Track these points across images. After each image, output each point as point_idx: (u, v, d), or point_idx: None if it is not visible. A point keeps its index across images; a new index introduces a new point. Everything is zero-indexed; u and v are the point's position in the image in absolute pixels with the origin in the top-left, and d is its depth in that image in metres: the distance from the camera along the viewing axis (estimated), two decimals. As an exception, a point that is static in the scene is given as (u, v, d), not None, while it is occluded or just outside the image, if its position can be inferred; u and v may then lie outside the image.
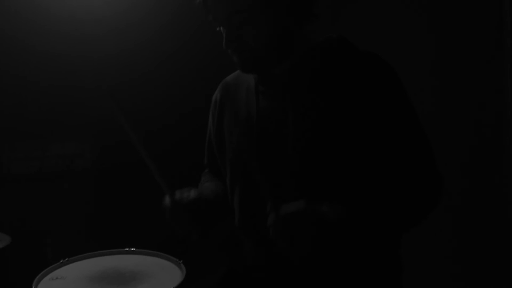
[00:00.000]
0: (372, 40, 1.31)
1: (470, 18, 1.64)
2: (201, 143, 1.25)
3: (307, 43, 0.98)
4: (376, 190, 0.91)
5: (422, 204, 0.92)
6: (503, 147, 1.58)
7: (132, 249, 1.31)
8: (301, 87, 0.95)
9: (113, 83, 2.21)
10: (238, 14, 0.90)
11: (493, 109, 1.60)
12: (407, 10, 1.81)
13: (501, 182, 1.61)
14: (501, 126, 1.57)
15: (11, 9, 2.08)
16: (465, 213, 1.70)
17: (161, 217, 1.04)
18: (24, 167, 2.17)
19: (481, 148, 1.65)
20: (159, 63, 2.30)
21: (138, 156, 1.01)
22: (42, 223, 2.15)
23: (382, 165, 0.92)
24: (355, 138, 0.90)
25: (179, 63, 2.34)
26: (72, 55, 2.15)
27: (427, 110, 0.96)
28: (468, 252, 1.72)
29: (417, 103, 0.95)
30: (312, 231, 0.82)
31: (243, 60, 0.95)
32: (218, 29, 0.97)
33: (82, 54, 2.17)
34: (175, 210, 0.99)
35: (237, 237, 1.08)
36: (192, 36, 2.29)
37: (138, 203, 2.15)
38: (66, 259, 1.25)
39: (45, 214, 2.16)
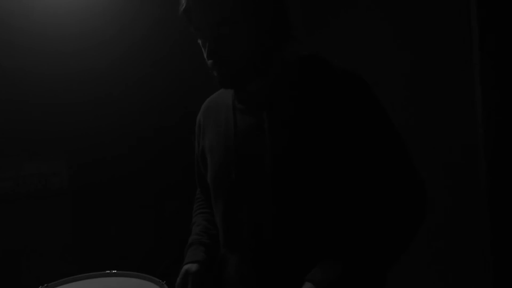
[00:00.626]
0: (349, 57, 1.34)
1: (441, 35, 1.71)
2: (176, 157, 1.28)
3: (283, 61, 0.99)
4: (365, 216, 0.91)
5: (412, 219, 0.93)
6: (476, 159, 1.63)
7: (114, 271, 1.28)
8: (278, 104, 0.96)
9: (86, 99, 2.18)
10: (220, 26, 0.90)
11: (465, 120, 1.65)
12: (380, 28, 1.87)
13: (475, 192, 1.66)
14: (475, 138, 1.62)
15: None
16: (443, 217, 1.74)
17: (140, 236, 1.04)
18: (-4, 187, 2.10)
19: (456, 159, 1.70)
20: (134, 79, 2.29)
21: (115, 173, 1.00)
22: (17, 245, 2.09)
23: (364, 179, 0.92)
24: (333, 153, 0.91)
25: (152, 79, 2.33)
26: (45, 72, 2.11)
27: (399, 123, 0.97)
28: (447, 254, 1.77)
29: (393, 115, 0.96)
30: None
31: (222, 74, 0.94)
32: (199, 41, 0.96)
33: (55, 71, 2.13)
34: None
35: (222, 254, 1.09)
36: (167, 51, 2.29)
37: (118, 222, 2.11)
38: (45, 285, 1.21)
39: (20, 236, 2.09)
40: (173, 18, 1.06)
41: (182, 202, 1.74)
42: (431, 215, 0.98)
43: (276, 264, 0.96)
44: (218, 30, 0.90)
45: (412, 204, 0.92)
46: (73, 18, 2.16)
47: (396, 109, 1.07)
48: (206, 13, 0.90)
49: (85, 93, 2.17)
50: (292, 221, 0.94)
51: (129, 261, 1.45)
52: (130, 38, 2.24)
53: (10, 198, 2.11)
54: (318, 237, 0.94)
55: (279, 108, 0.96)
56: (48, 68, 2.11)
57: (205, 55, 0.93)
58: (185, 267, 1.07)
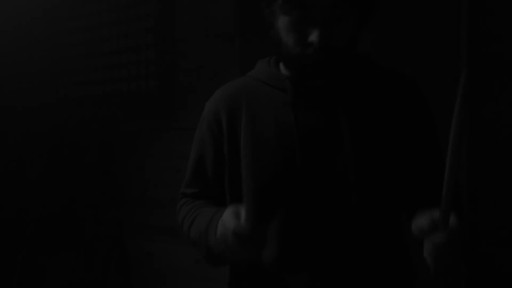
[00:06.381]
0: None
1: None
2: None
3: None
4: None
5: None
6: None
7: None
8: (351, 99, 0.89)
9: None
10: (335, 8, 0.80)
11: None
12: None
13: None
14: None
15: None
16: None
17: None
18: None
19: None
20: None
21: None
22: None
23: (418, 176, 0.92)
24: (399, 152, 0.89)
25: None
26: None
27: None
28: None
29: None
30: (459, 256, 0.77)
31: (320, 59, 0.83)
32: (277, 19, 0.84)
33: None
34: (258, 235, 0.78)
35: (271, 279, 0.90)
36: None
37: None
38: None
39: None
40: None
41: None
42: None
43: (354, 277, 0.87)
44: (331, 12, 0.80)
45: None
46: None
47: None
48: None
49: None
50: (374, 228, 0.88)
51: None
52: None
53: None
54: (389, 243, 0.90)
55: (353, 104, 0.89)
56: None
57: (316, 40, 0.80)
58: (226, 224, 0.79)
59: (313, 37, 0.81)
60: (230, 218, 0.78)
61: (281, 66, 0.96)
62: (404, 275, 0.92)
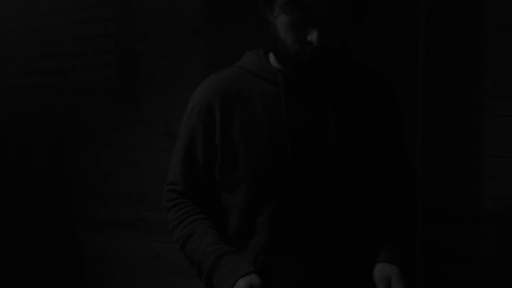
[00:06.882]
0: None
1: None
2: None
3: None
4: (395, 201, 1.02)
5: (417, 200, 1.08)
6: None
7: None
8: (337, 94, 0.96)
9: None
10: (334, 11, 0.85)
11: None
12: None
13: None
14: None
15: None
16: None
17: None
18: None
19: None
20: None
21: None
22: None
23: (388, 167, 1.02)
24: (376, 141, 0.98)
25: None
26: None
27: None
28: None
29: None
30: None
31: (314, 58, 0.88)
32: (271, 16, 0.89)
33: None
34: None
35: (262, 263, 0.95)
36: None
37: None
38: None
39: None
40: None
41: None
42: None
43: (339, 260, 0.94)
44: (329, 15, 0.85)
45: (415, 185, 1.08)
46: None
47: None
48: None
49: None
50: (357, 212, 0.96)
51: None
52: None
53: None
54: (369, 226, 0.99)
55: (339, 98, 0.96)
56: None
57: (316, 40, 0.85)
58: (246, 282, 0.87)
59: (312, 36, 0.85)
60: None
61: (271, 58, 1.01)
62: (370, 255, 1.00)
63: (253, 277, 0.87)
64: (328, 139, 0.93)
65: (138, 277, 2.08)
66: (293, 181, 0.91)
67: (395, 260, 0.89)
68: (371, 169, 0.97)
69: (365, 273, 0.93)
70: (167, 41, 1.93)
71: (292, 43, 0.88)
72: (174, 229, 1.01)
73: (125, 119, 2.05)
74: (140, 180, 2.04)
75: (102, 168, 2.12)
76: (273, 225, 0.93)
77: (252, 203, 0.95)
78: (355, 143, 0.94)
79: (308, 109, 0.94)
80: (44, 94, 2.20)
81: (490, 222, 1.52)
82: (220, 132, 0.95)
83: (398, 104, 1.04)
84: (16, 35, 2.23)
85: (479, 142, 1.52)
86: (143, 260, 2.06)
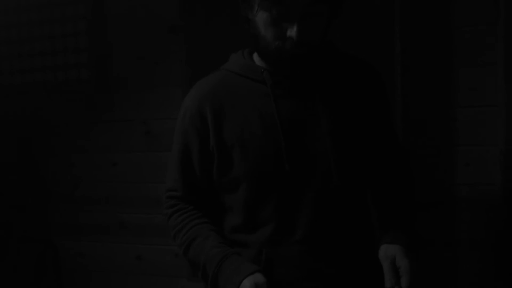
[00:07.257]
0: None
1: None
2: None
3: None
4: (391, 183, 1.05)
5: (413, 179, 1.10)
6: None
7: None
8: (326, 86, 0.98)
9: None
10: (310, 6, 0.86)
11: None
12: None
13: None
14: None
15: None
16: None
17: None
18: None
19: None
20: None
21: None
22: None
23: (381, 150, 1.05)
24: (366, 130, 1.00)
25: None
26: None
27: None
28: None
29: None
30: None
31: (296, 53, 0.89)
32: (251, 14, 0.91)
33: None
34: None
35: (265, 256, 0.97)
36: None
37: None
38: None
39: None
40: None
41: None
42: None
43: (345, 249, 0.97)
44: (307, 9, 0.86)
45: (408, 163, 1.10)
46: None
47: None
48: None
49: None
50: (354, 200, 1.00)
51: None
52: None
53: None
54: (366, 210, 1.04)
55: (327, 90, 0.97)
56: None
57: (295, 34, 0.86)
58: (251, 281, 0.88)
59: (291, 32, 0.87)
60: None
61: (255, 58, 1.02)
62: (370, 239, 1.05)
63: (257, 275, 0.89)
64: (320, 129, 0.95)
65: (119, 281, 2.04)
66: (291, 174, 0.93)
67: (398, 240, 0.92)
68: (365, 155, 1.00)
69: (370, 260, 0.96)
70: (142, 40, 1.90)
71: (272, 39, 0.89)
72: (176, 235, 1.02)
73: (99, 119, 1.99)
74: (118, 183, 1.99)
75: (76, 171, 2.06)
76: (277, 218, 0.96)
77: (253, 199, 0.97)
78: (347, 130, 0.97)
79: (298, 103, 0.96)
80: (12, 95, 2.11)
81: (465, 207, 1.58)
82: (213, 135, 0.97)
83: (386, 89, 1.06)
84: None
85: (452, 132, 1.57)
86: (124, 264, 2.02)
